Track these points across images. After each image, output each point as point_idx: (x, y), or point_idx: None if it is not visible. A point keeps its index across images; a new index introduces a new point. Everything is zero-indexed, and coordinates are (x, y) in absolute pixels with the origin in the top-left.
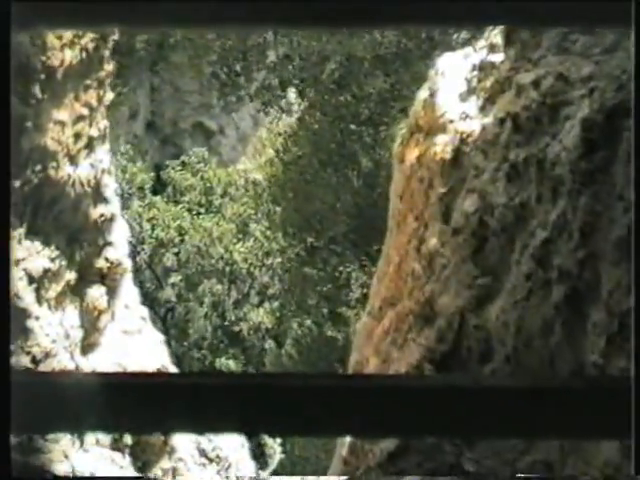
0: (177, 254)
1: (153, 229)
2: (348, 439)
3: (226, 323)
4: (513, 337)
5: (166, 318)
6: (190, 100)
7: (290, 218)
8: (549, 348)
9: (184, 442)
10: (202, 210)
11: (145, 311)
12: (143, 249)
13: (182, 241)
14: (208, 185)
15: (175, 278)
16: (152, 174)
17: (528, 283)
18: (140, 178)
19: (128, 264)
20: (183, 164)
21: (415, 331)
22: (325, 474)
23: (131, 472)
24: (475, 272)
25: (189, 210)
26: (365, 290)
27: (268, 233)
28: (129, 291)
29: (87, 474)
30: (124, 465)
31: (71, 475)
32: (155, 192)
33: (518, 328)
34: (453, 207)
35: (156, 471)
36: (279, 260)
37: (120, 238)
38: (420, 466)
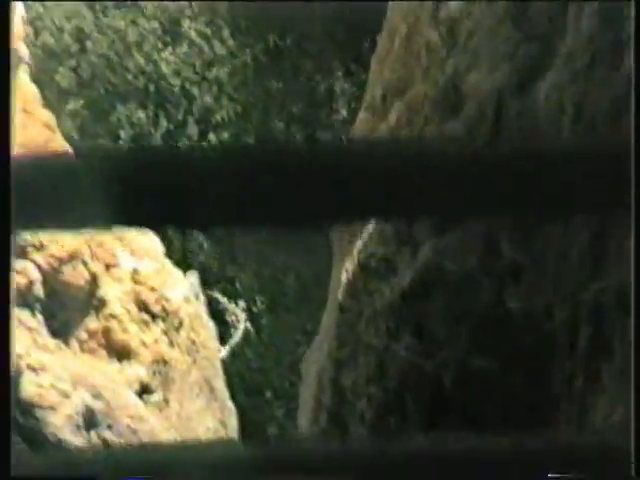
0: (75, 70)
1: (36, 35)
2: (344, 279)
3: None
4: (570, 122)
5: None
6: None
7: (241, 7)
8: (620, 136)
9: (116, 292)
10: (109, 3)
11: None
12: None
13: (82, 50)
14: None
15: (75, 104)
16: None
17: (591, 46)
18: None
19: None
20: None
21: (435, 124)
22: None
23: (44, 337)
24: (516, 36)
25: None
26: (354, 105)
27: (209, 32)
28: None
29: None
30: (33, 327)
31: None
32: None
33: (578, 110)
34: None
35: (80, 334)
36: (227, 70)
37: None
38: (447, 307)
